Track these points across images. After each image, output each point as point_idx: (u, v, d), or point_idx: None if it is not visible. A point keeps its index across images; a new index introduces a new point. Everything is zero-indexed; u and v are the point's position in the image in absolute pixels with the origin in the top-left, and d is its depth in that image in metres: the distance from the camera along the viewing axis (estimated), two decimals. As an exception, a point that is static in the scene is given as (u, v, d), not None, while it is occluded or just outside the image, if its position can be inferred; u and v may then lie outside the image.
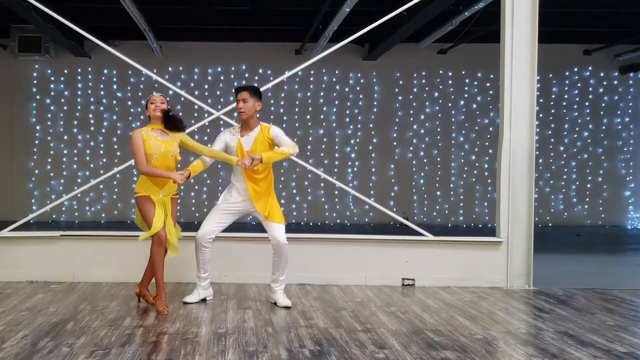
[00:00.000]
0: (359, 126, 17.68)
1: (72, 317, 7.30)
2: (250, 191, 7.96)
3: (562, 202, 18.08)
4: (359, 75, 17.60)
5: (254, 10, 14.32)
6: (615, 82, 17.99)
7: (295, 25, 15.41)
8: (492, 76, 17.22)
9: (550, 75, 17.69)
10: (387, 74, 17.58)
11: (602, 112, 18.03)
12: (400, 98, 17.69)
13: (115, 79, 17.30)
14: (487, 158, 17.67)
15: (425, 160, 17.81)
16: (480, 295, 8.84)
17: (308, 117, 17.57)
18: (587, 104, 17.97)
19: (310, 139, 17.57)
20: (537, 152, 9.78)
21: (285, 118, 17.46)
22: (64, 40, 14.97)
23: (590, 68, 17.92)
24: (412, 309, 7.97)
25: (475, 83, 17.72)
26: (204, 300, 8.20)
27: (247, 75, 17.28)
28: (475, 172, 17.83)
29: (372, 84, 17.65)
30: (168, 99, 7.97)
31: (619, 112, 18.06)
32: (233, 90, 8.45)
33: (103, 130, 17.35)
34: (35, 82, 17.23)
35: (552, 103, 17.86)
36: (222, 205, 8.14)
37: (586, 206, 18.10)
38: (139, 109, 17.18)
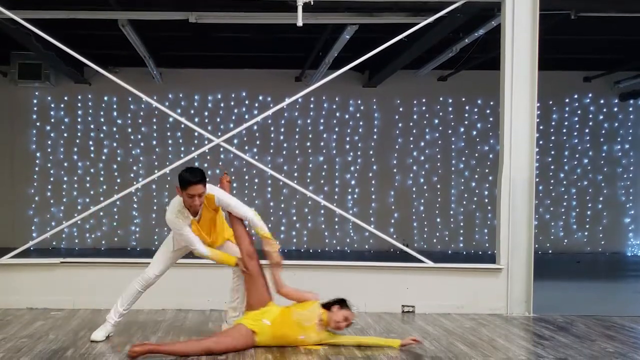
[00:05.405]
0: (359, 153, 17.67)
1: (72, 344, 7.29)
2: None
3: (562, 229, 18.04)
4: (359, 102, 17.62)
5: (254, 38, 14.35)
6: (615, 109, 17.99)
7: (295, 52, 15.44)
8: (492, 103, 17.23)
9: (550, 102, 17.70)
10: (387, 101, 17.60)
11: (602, 139, 18.02)
12: (400, 125, 17.68)
13: (115, 106, 17.28)
14: (487, 185, 17.64)
15: (425, 187, 17.79)
16: (480, 322, 8.82)
17: (308, 144, 17.58)
18: (587, 130, 17.97)
19: (310, 165, 17.57)
20: (537, 179, 9.79)
21: (285, 145, 17.47)
22: (64, 67, 15.00)
23: (590, 95, 17.92)
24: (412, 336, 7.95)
25: (476, 110, 17.72)
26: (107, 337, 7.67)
27: (247, 102, 17.29)
28: (475, 199, 17.81)
29: (372, 111, 17.65)
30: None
31: (619, 139, 18.05)
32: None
33: (103, 157, 17.32)
34: (35, 109, 17.22)
35: (552, 130, 17.85)
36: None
37: (586, 233, 18.05)
38: (139, 136, 17.18)
